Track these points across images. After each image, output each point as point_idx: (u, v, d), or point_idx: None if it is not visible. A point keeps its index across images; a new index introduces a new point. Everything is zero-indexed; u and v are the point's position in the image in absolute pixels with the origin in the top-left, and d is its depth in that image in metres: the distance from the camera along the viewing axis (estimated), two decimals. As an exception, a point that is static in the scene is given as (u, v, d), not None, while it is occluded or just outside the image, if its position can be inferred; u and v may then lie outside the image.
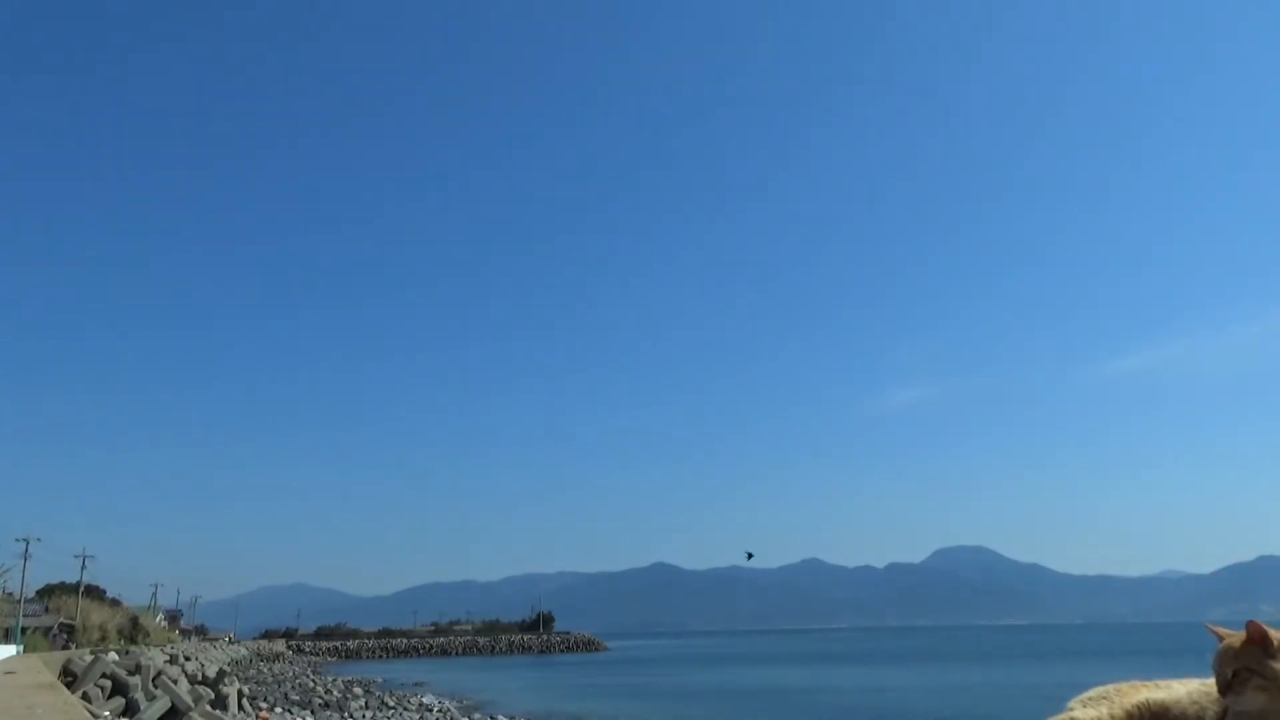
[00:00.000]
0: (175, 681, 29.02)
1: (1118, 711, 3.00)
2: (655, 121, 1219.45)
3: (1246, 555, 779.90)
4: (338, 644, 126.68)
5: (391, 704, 39.51)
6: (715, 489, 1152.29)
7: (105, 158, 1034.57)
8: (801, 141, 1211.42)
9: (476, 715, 36.08)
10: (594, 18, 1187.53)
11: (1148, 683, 3.11)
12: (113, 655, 31.97)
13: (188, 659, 43.42)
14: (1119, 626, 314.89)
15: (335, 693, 45.00)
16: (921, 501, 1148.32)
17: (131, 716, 22.94)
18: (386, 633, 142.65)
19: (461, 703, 40.89)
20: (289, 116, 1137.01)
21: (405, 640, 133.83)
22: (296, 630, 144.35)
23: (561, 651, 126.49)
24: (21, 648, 42.53)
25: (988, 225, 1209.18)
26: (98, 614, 61.93)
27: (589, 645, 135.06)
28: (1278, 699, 3.00)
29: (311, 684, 52.24)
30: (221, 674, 37.72)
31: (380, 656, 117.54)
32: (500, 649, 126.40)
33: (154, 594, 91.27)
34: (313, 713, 34.75)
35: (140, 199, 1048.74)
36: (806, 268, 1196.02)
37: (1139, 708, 3.02)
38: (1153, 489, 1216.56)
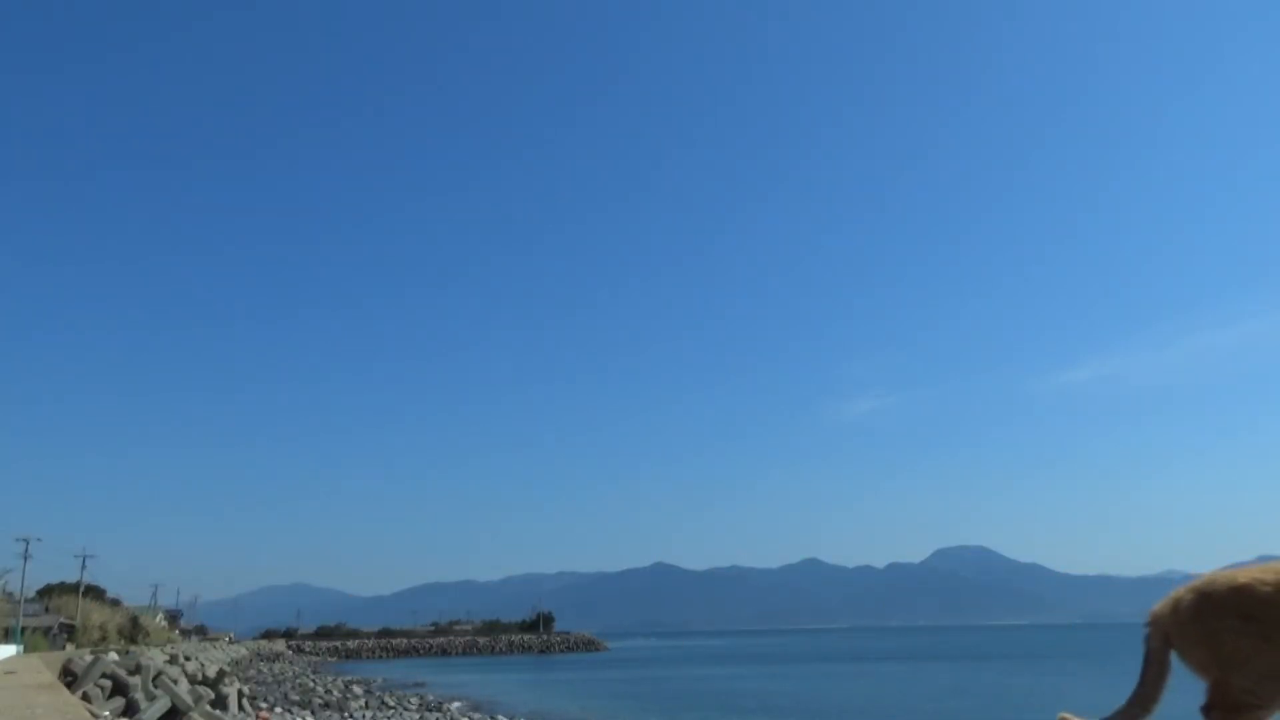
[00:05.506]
0: (175, 681, 29.01)
1: None
2: (661, 126, 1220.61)
3: (1246, 555, 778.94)
4: (338, 644, 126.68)
5: (391, 704, 39.48)
6: (715, 489, 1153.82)
7: (104, 156, 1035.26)
8: (810, 142, 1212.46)
9: (476, 715, 36.04)
10: (598, 19, 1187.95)
11: None
12: (113, 655, 31.93)
13: (188, 659, 43.41)
14: (1120, 626, 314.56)
15: (335, 693, 44.96)
16: (922, 501, 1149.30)
17: (131, 716, 22.93)
18: (386, 633, 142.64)
19: (461, 703, 40.84)
20: (291, 117, 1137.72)
21: (405, 640, 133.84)
22: (296, 630, 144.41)
23: (561, 651, 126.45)
24: (22, 648, 42.54)
25: (986, 223, 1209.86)
26: (98, 614, 61.92)
27: (589, 645, 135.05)
28: None
29: (311, 684, 52.20)
30: (221, 674, 37.72)
31: (380, 656, 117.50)
32: (500, 649, 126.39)
33: (154, 594, 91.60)
34: (313, 713, 34.73)
35: (141, 198, 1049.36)
36: (805, 267, 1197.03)
37: None
38: (1153, 489, 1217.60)
